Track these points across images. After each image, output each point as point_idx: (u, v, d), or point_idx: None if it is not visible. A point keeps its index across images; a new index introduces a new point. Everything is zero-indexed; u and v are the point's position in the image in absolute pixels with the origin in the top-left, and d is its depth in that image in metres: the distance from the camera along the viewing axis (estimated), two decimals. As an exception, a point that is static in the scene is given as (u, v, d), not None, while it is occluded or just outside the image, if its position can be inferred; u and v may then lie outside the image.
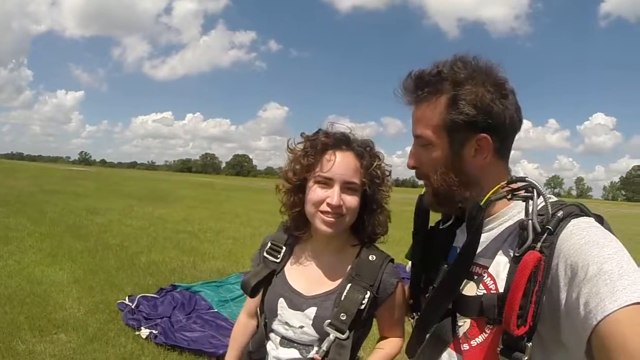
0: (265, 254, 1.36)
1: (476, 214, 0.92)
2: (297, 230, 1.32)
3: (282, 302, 1.27)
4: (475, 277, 0.98)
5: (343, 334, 1.17)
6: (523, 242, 0.87)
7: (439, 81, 0.99)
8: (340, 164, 1.20)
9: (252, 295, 1.33)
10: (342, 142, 1.24)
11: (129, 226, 10.48)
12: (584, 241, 0.80)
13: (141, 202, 17.06)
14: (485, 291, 0.95)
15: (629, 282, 0.70)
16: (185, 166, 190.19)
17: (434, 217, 1.20)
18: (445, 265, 1.09)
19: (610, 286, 0.71)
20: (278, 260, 1.33)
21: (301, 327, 1.23)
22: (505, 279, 0.89)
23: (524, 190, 0.92)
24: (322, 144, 1.23)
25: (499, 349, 0.87)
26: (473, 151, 0.99)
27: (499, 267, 0.94)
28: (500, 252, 0.96)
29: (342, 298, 1.20)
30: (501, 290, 0.90)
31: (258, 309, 1.38)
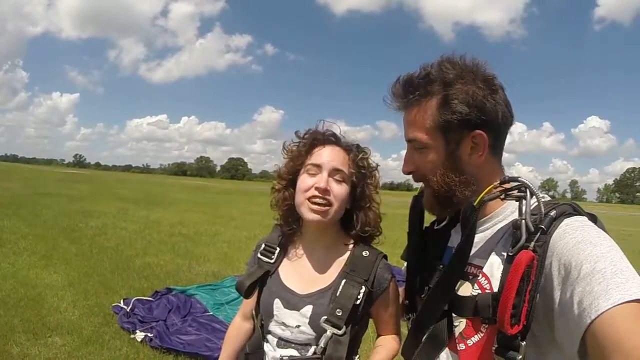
0: (259, 255, 1.37)
1: (470, 214, 0.93)
2: (286, 225, 1.34)
3: (277, 303, 1.28)
4: (470, 277, 0.99)
5: (340, 330, 1.18)
6: (516, 242, 0.87)
7: (428, 83, 0.99)
8: (329, 153, 1.26)
9: (247, 296, 1.34)
10: (331, 137, 1.31)
11: (123, 229, 10.43)
12: (577, 240, 0.80)
13: (136, 205, 17.00)
14: (480, 291, 0.95)
15: (622, 280, 0.71)
16: (180, 169, 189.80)
17: (429, 218, 1.21)
18: (441, 266, 1.09)
19: (604, 284, 0.71)
20: (272, 261, 1.35)
21: (298, 326, 1.24)
22: (500, 278, 0.90)
23: (517, 190, 0.92)
24: (312, 139, 1.29)
25: (493, 348, 0.87)
26: (469, 149, 0.99)
27: (493, 267, 0.95)
28: (494, 252, 0.97)
29: (338, 294, 1.21)
30: (496, 289, 0.90)
31: (254, 310, 1.39)
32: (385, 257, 1.31)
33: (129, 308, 4.52)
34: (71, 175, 46.40)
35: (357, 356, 1.31)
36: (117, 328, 4.16)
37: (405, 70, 1.05)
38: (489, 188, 0.94)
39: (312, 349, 1.22)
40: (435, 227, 1.20)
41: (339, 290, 1.21)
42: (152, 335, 3.93)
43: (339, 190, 1.23)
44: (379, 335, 1.36)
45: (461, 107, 0.96)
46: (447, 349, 1.01)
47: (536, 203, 0.89)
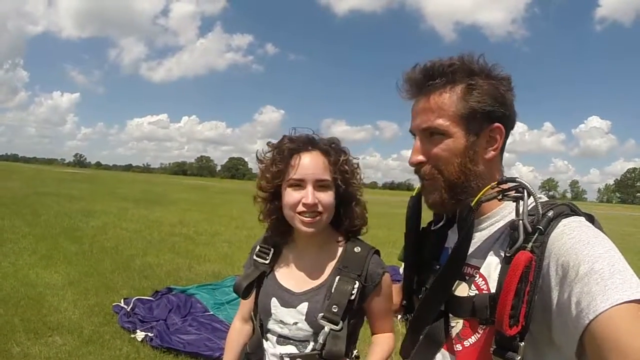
0: (255, 257, 1.40)
1: (467, 214, 0.93)
2: (280, 235, 1.36)
3: (274, 302, 1.31)
4: (467, 277, 0.99)
5: (337, 325, 1.20)
6: (514, 242, 0.87)
7: (454, 71, 0.98)
8: (308, 164, 1.23)
9: (245, 297, 1.36)
10: (307, 143, 1.28)
11: (124, 229, 10.43)
12: (574, 240, 0.80)
13: (136, 205, 16.99)
14: (477, 292, 0.95)
15: (620, 280, 0.71)
16: (180, 169, 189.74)
17: (426, 218, 1.22)
18: (438, 266, 1.09)
19: (602, 285, 0.71)
20: (267, 262, 1.37)
21: (295, 323, 1.26)
22: (497, 279, 0.89)
23: (514, 191, 0.92)
24: (288, 149, 1.26)
25: (492, 349, 0.87)
26: (485, 142, 0.99)
27: (491, 268, 0.94)
28: (492, 252, 0.97)
29: (332, 290, 1.23)
30: (493, 290, 0.90)
31: (252, 311, 1.41)
32: (377, 252, 1.32)
33: (130, 308, 4.53)
34: (72, 175, 46.40)
35: (356, 350, 1.33)
36: (117, 328, 4.17)
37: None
38: (486, 188, 0.94)
39: (310, 345, 1.25)
40: (433, 228, 1.19)
41: (334, 286, 1.23)
42: (152, 334, 3.93)
43: (326, 198, 1.23)
44: (373, 334, 1.37)
45: (486, 97, 0.96)
46: (443, 349, 1.01)
47: (533, 203, 0.89)
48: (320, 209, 1.22)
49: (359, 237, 1.36)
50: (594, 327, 0.69)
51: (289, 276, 1.34)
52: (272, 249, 1.38)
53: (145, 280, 5.93)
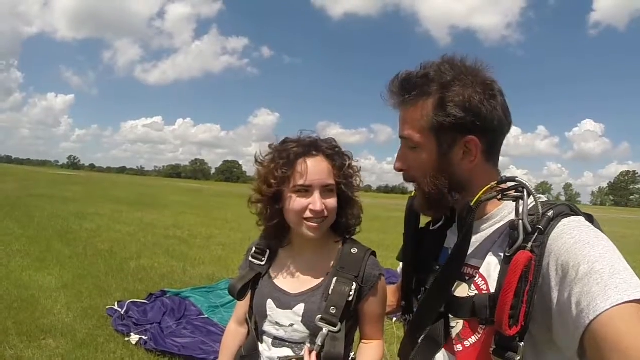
0: (250, 258, 1.39)
1: (467, 215, 0.92)
2: (276, 239, 1.36)
3: (270, 303, 1.30)
4: (467, 278, 0.99)
5: (335, 327, 1.19)
6: (514, 242, 0.86)
7: (426, 83, 0.98)
8: (315, 170, 1.22)
9: (240, 298, 1.36)
10: (312, 147, 1.26)
11: (118, 232, 10.39)
12: (574, 240, 0.80)
13: (130, 207, 16.93)
14: (477, 292, 0.95)
15: (620, 280, 0.71)
16: (174, 172, 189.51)
17: (425, 219, 1.21)
18: (437, 267, 1.09)
19: (602, 285, 0.71)
20: (263, 263, 1.37)
21: (291, 325, 1.26)
22: (497, 279, 0.89)
23: (514, 191, 0.91)
24: (293, 153, 1.23)
25: (491, 349, 0.87)
26: (461, 154, 0.98)
27: (490, 268, 0.94)
28: (491, 252, 0.96)
29: (330, 292, 1.22)
30: (493, 290, 0.90)
31: (247, 313, 1.41)
32: (373, 253, 1.32)
33: (124, 311, 4.50)
34: (65, 177, 46.17)
35: (352, 353, 1.33)
36: (111, 331, 4.15)
37: None
38: (486, 188, 0.93)
39: (306, 347, 1.24)
40: (431, 228, 1.20)
41: (331, 288, 1.22)
42: (146, 338, 3.92)
43: (331, 202, 1.23)
44: (362, 339, 1.34)
45: (456, 110, 0.94)
46: (444, 350, 1.01)
47: (533, 203, 0.88)
48: (326, 214, 1.22)
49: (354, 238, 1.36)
50: (595, 327, 0.69)
51: (285, 277, 1.33)
52: (268, 251, 1.38)
53: (139, 283, 5.90)
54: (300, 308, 1.25)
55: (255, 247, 1.40)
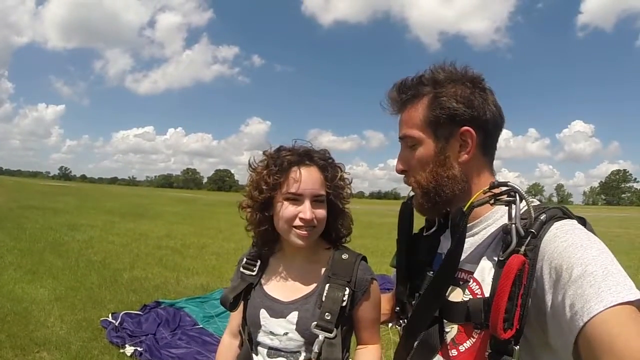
0: (241, 269, 1.39)
1: (459, 220, 0.93)
2: (265, 246, 1.37)
3: (263, 313, 1.30)
4: (461, 282, 1.00)
5: (331, 333, 1.20)
6: (507, 246, 0.87)
7: (420, 84, 1.06)
8: (307, 179, 1.24)
9: (232, 309, 1.35)
10: (305, 157, 1.28)
11: (110, 242, 10.33)
12: (567, 243, 0.81)
13: (123, 218, 16.83)
14: (471, 296, 0.96)
15: (613, 282, 0.72)
16: (166, 181, 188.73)
17: (418, 224, 1.23)
18: (431, 272, 1.10)
19: (595, 287, 0.71)
20: (254, 274, 1.37)
21: (286, 333, 1.26)
22: (491, 283, 0.90)
23: (506, 195, 0.92)
24: (287, 161, 1.25)
25: (487, 353, 0.87)
26: (458, 146, 1.02)
27: (484, 272, 0.95)
28: (485, 257, 0.97)
29: (324, 298, 1.23)
30: (487, 294, 0.90)
31: (241, 325, 1.40)
32: (364, 258, 1.34)
33: (118, 322, 4.50)
34: (57, 188, 45.73)
35: (350, 358, 1.32)
36: (106, 343, 4.13)
37: (393, 80, 1.13)
38: (478, 193, 0.95)
39: (302, 356, 1.24)
40: (425, 234, 1.21)
41: (324, 294, 1.23)
42: (141, 349, 3.92)
43: (321, 212, 1.26)
44: (359, 345, 1.35)
45: (450, 103, 1.00)
46: (439, 355, 1.01)
47: (526, 207, 0.90)
48: (315, 223, 1.25)
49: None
50: (589, 329, 0.70)
51: (277, 286, 1.33)
52: (259, 261, 1.38)
53: (133, 294, 5.88)
54: (293, 316, 1.26)
55: (246, 258, 1.40)
